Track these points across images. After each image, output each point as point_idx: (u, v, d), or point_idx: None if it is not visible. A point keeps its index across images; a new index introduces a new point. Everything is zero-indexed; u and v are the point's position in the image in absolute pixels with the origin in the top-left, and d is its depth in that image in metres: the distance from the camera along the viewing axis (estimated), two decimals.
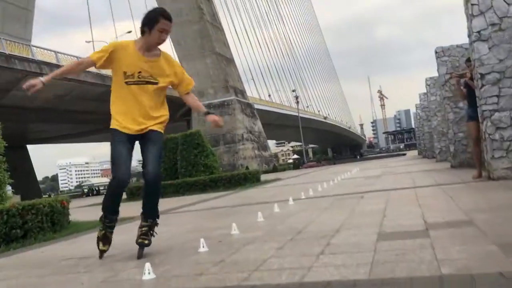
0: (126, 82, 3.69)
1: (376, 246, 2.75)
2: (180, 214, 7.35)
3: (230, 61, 58.27)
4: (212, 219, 5.92)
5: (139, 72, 3.60)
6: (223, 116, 53.64)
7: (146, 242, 3.46)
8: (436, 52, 11.10)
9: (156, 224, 3.62)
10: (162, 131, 3.79)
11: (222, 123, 3.97)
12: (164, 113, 3.81)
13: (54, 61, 34.35)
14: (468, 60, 7.46)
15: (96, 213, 4.32)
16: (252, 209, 6.37)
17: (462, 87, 7.88)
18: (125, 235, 4.41)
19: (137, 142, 3.72)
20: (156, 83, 3.65)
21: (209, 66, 54.53)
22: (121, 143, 3.60)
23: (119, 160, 3.53)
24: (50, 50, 34.20)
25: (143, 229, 3.51)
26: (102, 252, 3.58)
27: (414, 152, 51.24)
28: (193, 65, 54.27)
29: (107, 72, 40.67)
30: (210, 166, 14.36)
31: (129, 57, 3.59)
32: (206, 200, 10.02)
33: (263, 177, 20.35)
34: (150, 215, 3.59)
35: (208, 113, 3.91)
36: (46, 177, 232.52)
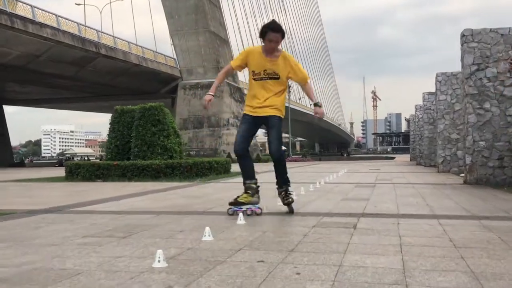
0: (254, 79, 4.66)
1: None
2: (76, 216, 4.90)
3: (224, 41, 55.39)
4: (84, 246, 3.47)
5: (264, 70, 4.60)
6: None
7: (290, 199, 4.81)
8: (463, 36, 8.69)
9: (289, 187, 4.92)
10: (281, 115, 4.69)
11: (324, 116, 4.85)
12: (279, 102, 4.65)
13: (29, 16, 31.38)
14: None
15: None
16: (174, 227, 3.95)
17: None
18: None
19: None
20: (278, 78, 4.59)
21: (201, 44, 51.64)
22: (246, 122, 4.72)
23: (238, 134, 4.75)
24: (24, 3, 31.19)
25: (282, 193, 4.88)
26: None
27: (404, 157, 49.10)
28: (184, 41, 51.50)
29: (89, 35, 37.82)
30: (170, 149, 11.86)
31: (256, 59, 4.62)
32: (142, 193, 7.57)
33: (237, 167, 17.98)
34: (283, 183, 4.93)
35: (316, 104, 4.70)
36: (29, 141, 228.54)
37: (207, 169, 11.59)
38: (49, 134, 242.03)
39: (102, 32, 40.81)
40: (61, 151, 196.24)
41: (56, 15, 34.87)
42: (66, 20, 35.99)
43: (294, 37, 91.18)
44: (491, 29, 8.55)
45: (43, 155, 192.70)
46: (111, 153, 12.24)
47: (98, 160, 13.73)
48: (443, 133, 13.43)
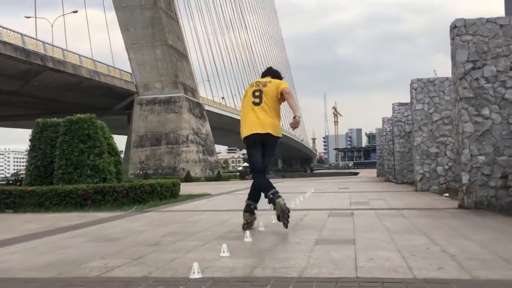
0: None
1: None
2: None
3: (183, 55, 53.43)
4: None
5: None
6: (168, 113, 48.88)
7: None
8: (454, 28, 7.14)
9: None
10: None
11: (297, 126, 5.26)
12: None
13: None
14: None
15: None
16: None
17: None
18: None
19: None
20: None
21: (158, 57, 49.48)
22: None
23: None
24: None
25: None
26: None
27: (368, 172, 48.06)
28: (140, 55, 49.21)
29: (35, 47, 35.06)
30: (103, 169, 9.75)
31: None
32: (42, 233, 5.49)
33: (192, 188, 15.88)
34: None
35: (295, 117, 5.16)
36: None
37: (148, 193, 9.54)
38: (3, 154, 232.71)
39: (49, 44, 38.11)
40: (15, 171, 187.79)
41: (20, 33, 32.11)
42: (8, 31, 33.20)
43: (256, 55, 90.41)
44: (487, 19, 7.03)
45: None
46: (30, 176, 10.02)
47: (9, 185, 11.40)
48: (421, 147, 11.91)
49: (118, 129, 56.64)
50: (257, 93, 5.18)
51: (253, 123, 5.11)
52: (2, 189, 9.25)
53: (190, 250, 3.98)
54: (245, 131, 5.22)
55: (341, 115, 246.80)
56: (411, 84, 12.28)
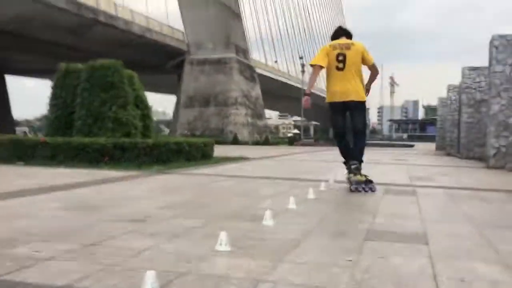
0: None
1: None
2: None
3: (236, 15, 51.72)
4: None
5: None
6: (218, 74, 47.79)
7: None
8: None
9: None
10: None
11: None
12: None
13: None
14: None
15: None
16: None
17: None
18: None
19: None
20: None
21: (211, 16, 47.99)
22: None
23: None
24: None
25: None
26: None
27: (424, 145, 45.13)
28: (193, 13, 47.95)
29: (85, 0, 34.60)
30: (127, 123, 8.70)
31: None
32: (27, 191, 4.42)
33: (233, 150, 14.71)
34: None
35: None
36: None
37: (174, 152, 8.41)
38: None
39: None
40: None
41: None
42: None
43: (312, 21, 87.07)
44: None
45: None
46: (50, 127, 9.12)
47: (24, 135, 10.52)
48: (498, 116, 10.02)
49: (170, 88, 56.41)
50: (340, 57, 5.10)
51: (337, 91, 5.16)
52: (14, 138, 8.39)
53: (177, 235, 2.72)
54: (329, 97, 5.30)
55: (398, 85, 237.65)
56: (491, 42, 10.28)
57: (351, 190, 5.04)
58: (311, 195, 4.48)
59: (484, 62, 12.45)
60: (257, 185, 5.53)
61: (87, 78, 8.66)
